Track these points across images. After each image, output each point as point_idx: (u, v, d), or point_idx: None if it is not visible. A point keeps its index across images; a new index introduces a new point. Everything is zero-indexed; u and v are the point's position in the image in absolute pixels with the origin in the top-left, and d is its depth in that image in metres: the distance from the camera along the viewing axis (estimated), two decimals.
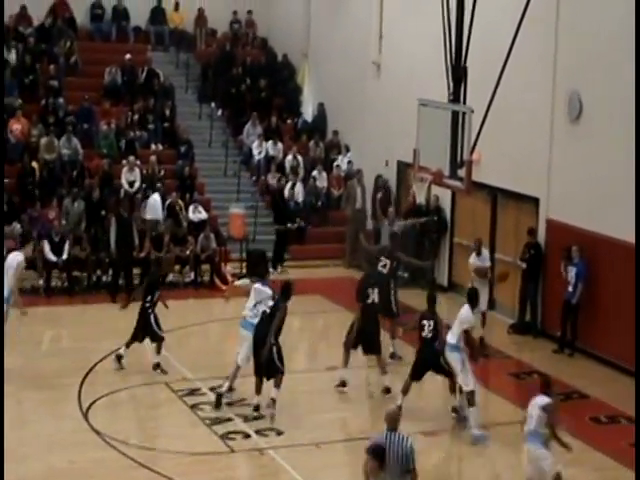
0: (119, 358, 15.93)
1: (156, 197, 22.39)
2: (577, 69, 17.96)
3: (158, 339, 15.92)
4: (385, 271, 17.00)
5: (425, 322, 14.24)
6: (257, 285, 14.90)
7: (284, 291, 14.40)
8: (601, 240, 17.29)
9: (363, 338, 15.29)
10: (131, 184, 22.98)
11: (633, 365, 16.37)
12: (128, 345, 15.91)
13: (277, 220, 23.68)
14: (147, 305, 15.89)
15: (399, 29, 23.44)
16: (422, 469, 12.92)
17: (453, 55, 15.96)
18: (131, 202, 21.93)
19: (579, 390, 15.94)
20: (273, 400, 14.09)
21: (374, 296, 15.36)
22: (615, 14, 17.04)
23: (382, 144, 23.91)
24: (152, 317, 15.89)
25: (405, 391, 14.33)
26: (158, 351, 15.96)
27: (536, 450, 11.22)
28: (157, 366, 15.90)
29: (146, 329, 15.88)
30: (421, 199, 20.52)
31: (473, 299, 14.38)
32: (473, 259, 18.26)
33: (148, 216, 21.91)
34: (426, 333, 14.23)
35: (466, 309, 14.17)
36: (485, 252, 18.41)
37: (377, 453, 9.22)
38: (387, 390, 15.28)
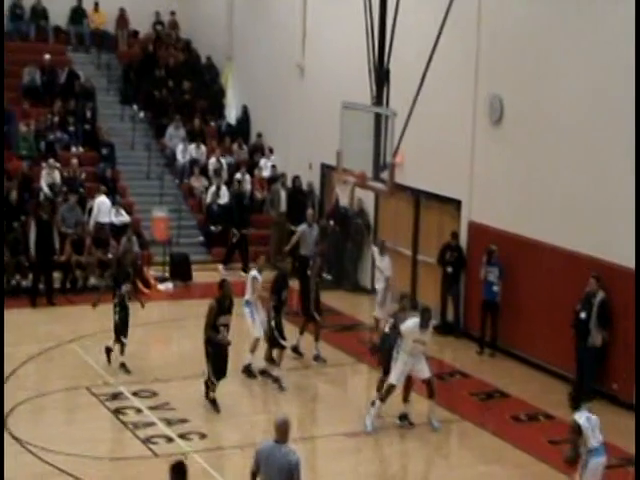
0: (108, 351, 16.02)
1: (103, 199, 22.18)
2: (498, 72, 18.19)
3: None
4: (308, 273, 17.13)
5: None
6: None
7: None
8: (522, 242, 17.53)
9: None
10: (51, 187, 22.65)
11: (551, 364, 16.69)
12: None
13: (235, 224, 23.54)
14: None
15: (322, 32, 23.50)
16: (345, 470, 13.08)
17: (376, 58, 16.05)
18: (51, 205, 21.61)
19: (500, 389, 16.15)
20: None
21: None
22: (536, 17, 17.29)
23: (306, 147, 23.95)
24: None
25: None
26: (122, 351, 15.94)
27: None
28: (122, 365, 15.89)
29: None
30: (344, 202, 20.65)
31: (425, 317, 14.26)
32: (379, 261, 18.53)
33: (101, 219, 21.80)
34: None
35: (414, 322, 14.18)
36: (387, 257, 18.57)
37: (176, 469, 8.64)
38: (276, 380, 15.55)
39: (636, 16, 14.51)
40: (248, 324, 15.95)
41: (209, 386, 14.61)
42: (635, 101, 14.93)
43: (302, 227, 19.33)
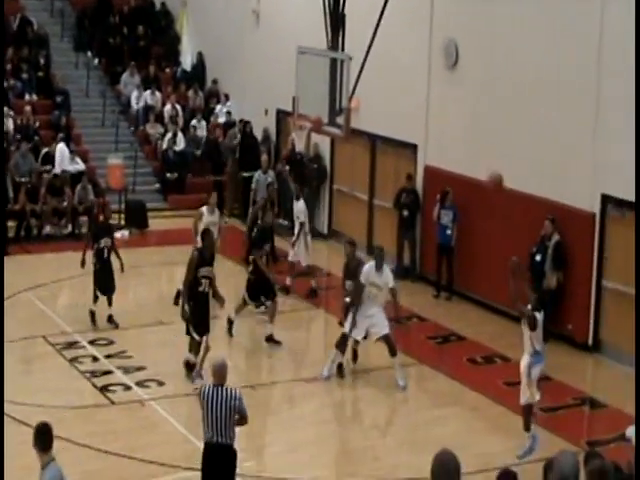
0: (92, 313, 15.70)
1: (61, 147, 21.93)
2: (453, 16, 18.10)
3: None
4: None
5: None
6: None
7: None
8: (477, 185, 17.53)
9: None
10: (4, 135, 22.36)
11: (507, 306, 16.78)
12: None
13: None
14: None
15: None
16: (300, 415, 13.17)
17: (331, 2, 15.93)
18: (4, 153, 21.34)
19: (456, 332, 16.30)
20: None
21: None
22: None
23: (261, 93, 23.76)
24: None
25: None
26: (110, 303, 15.75)
27: None
28: (110, 318, 15.70)
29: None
30: (300, 147, 20.60)
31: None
32: (295, 205, 18.01)
33: (59, 169, 21.57)
34: None
35: (369, 265, 14.21)
36: (301, 202, 17.91)
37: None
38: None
39: (636, 16, 14.39)
40: None
41: (192, 349, 13.81)
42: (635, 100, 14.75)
43: (257, 174, 19.22)
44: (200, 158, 24.38)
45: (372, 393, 14.05)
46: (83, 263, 15.72)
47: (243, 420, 9.38)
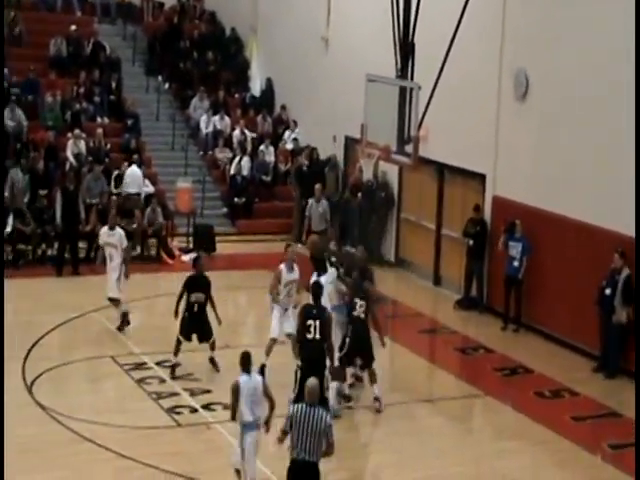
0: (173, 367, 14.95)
1: (134, 169, 22.28)
2: (524, 46, 18.04)
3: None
4: None
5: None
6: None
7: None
8: (546, 217, 17.45)
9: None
10: (77, 157, 22.74)
11: (575, 340, 16.62)
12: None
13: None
14: None
15: (348, 4, 23.37)
16: (365, 443, 13.10)
17: (401, 31, 15.99)
18: (77, 175, 21.69)
19: (524, 365, 16.10)
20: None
21: None
22: None
23: (330, 120, 23.87)
24: None
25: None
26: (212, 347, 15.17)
27: None
28: (212, 360, 15.06)
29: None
30: (368, 175, 20.62)
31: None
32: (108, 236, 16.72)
33: (130, 190, 21.87)
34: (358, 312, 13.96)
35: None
36: (118, 230, 16.67)
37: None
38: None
39: (636, 16, 14.31)
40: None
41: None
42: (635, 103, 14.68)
43: (310, 202, 19.19)
44: (268, 184, 24.55)
45: (437, 423, 13.96)
46: (176, 313, 14.89)
47: (330, 448, 9.73)
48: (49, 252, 20.55)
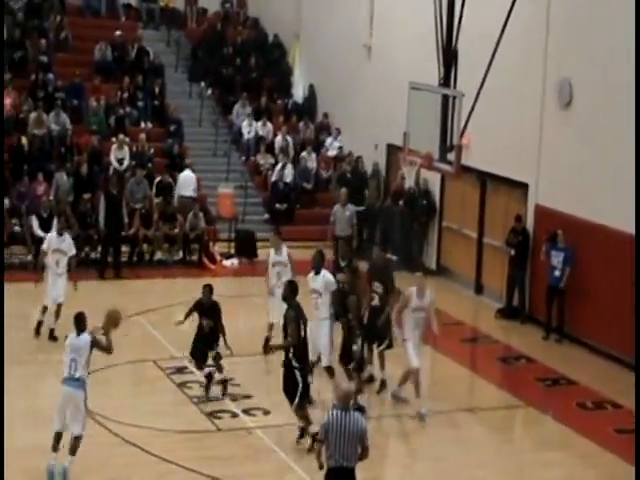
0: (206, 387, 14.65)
1: (188, 173, 22.45)
2: (568, 55, 17.95)
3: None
4: None
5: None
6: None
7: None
8: (589, 226, 17.34)
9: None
10: (120, 161, 22.94)
11: (619, 352, 16.48)
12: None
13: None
14: None
15: (390, 12, 23.39)
16: (409, 451, 13.07)
17: (444, 38, 15.97)
18: (120, 179, 21.88)
19: (567, 376, 15.99)
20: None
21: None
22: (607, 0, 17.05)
23: (372, 127, 23.88)
24: None
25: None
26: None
27: None
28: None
29: None
30: (410, 182, 20.59)
31: None
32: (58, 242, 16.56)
33: (185, 193, 22.16)
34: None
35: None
36: (67, 235, 16.71)
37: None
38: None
39: (636, 16, 14.20)
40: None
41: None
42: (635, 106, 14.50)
43: (335, 207, 19.23)
44: (309, 190, 24.60)
45: (479, 433, 13.91)
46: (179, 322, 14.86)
47: (365, 452, 9.66)
48: (92, 255, 20.72)
